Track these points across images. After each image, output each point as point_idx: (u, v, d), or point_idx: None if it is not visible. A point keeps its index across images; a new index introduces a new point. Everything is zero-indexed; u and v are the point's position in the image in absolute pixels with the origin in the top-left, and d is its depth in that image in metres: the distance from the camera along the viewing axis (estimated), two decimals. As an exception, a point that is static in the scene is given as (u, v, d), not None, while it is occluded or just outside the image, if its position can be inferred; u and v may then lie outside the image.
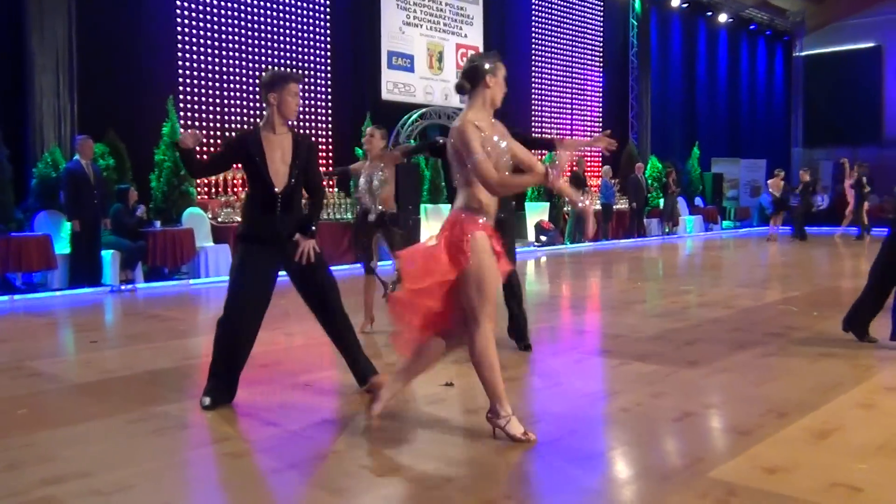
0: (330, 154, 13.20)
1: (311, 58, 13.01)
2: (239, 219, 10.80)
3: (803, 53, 25.28)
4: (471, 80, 3.60)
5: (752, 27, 23.52)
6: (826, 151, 23.83)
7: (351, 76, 13.59)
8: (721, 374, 4.74)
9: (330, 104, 13.21)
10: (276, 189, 4.16)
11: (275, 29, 12.55)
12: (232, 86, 12.02)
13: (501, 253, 3.55)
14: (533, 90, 16.81)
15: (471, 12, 15.51)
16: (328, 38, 13.21)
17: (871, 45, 23.77)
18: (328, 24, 13.21)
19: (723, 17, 21.70)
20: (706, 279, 10.57)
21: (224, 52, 11.97)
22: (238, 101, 12.10)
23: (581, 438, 3.65)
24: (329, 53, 13.21)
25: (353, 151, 12.75)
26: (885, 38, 23.41)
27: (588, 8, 18.35)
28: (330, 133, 13.25)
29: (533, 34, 16.87)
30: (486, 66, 3.60)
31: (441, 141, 5.68)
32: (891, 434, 3.55)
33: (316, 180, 4.38)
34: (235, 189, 11.73)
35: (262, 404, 4.25)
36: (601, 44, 18.72)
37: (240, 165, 4.25)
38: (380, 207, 6.14)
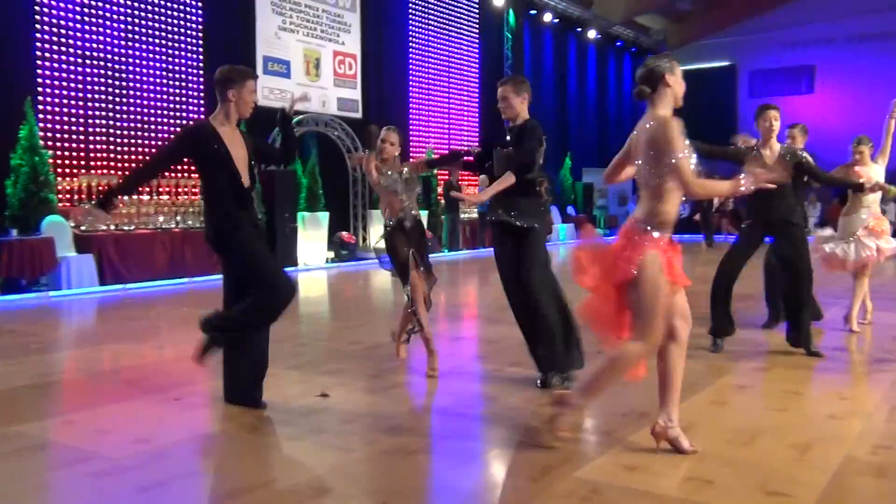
0: (203, 160, 12.80)
1: (183, 60, 12.61)
2: (105, 228, 10.39)
3: (666, 70, 26.69)
4: (650, 83, 3.48)
5: (618, 44, 24.62)
6: (687, 163, 25.25)
7: (225, 81, 13.25)
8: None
9: (202, 108, 12.84)
10: (245, 184, 4.09)
11: (144, 29, 12.08)
12: (98, 88, 11.48)
13: (676, 269, 3.44)
14: (410, 99, 16.94)
15: (348, 20, 15.48)
16: (200, 40, 12.83)
17: (726, 63, 25.37)
18: (200, 25, 12.83)
19: (592, 34, 22.61)
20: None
21: (88, 53, 11.41)
22: (104, 105, 11.56)
23: (456, 443, 3.72)
24: (202, 56, 12.83)
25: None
26: (738, 56, 25.05)
27: (464, 19, 18.69)
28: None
29: (410, 43, 17.02)
30: (663, 64, 3.49)
31: (475, 150, 5.55)
32: (739, 429, 3.82)
33: (277, 151, 4.85)
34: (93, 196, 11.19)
35: (129, 421, 4.10)
36: (477, 55, 19.11)
37: (189, 161, 4.23)
38: (413, 213, 5.24)
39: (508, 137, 4.76)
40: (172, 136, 4.31)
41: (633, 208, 3.59)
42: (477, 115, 19.13)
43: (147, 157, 10.51)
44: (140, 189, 11.50)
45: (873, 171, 6.25)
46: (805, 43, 23.25)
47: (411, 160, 5.55)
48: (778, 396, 4.53)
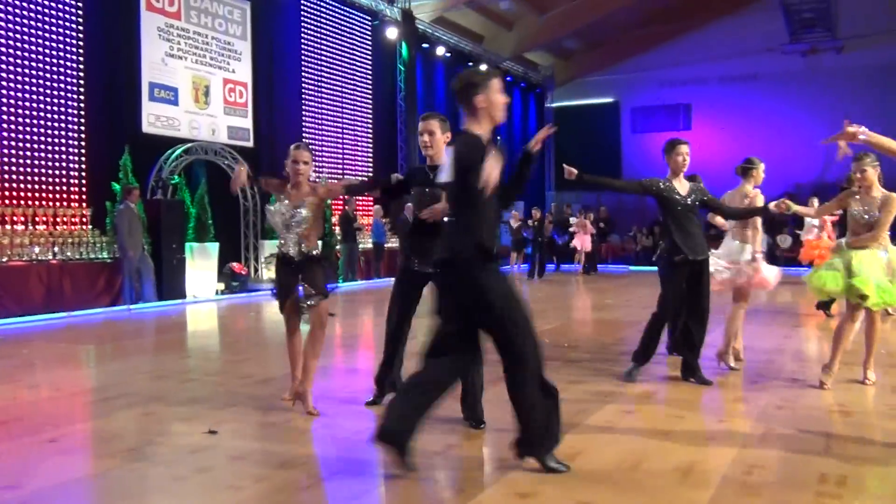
0: (84, 189, 12.26)
1: (63, 85, 12.05)
2: None
3: (554, 105, 27.59)
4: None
5: (508, 79, 25.28)
6: (575, 195, 26.07)
7: (107, 107, 12.75)
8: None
9: (83, 135, 12.30)
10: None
11: (20, 52, 11.49)
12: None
13: None
14: (304, 129, 16.81)
15: (239, 48, 15.27)
16: (80, 64, 12.31)
17: (610, 100, 26.50)
18: (80, 48, 12.30)
19: (483, 68, 23.13)
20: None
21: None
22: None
23: (349, 478, 3.68)
24: (82, 79, 12.30)
25: (110, 186, 11.98)
26: (621, 94, 26.21)
27: (358, 51, 18.75)
28: (83, 166, 12.29)
29: (303, 73, 16.92)
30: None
31: (396, 178, 5.19)
32: (625, 453, 3.95)
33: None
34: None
35: (-2, 466, 3.84)
36: (370, 86, 19.19)
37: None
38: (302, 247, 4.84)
39: (432, 177, 4.54)
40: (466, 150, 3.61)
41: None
42: (370, 145, 19.16)
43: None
44: (16, 219, 10.92)
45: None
46: (681, 82, 24.57)
47: (329, 182, 5.18)
48: (662, 420, 4.71)
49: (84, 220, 11.88)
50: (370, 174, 18.78)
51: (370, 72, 19.16)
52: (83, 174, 12.31)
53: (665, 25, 23.92)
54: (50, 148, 11.82)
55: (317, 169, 17.01)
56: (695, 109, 24.84)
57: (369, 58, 19.12)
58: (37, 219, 11.21)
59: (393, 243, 17.47)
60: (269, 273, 15.23)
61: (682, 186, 5.63)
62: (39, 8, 11.78)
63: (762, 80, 23.30)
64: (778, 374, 6.04)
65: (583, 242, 19.25)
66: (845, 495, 3.34)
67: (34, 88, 11.66)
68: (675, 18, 23.82)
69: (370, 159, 19.00)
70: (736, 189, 6.35)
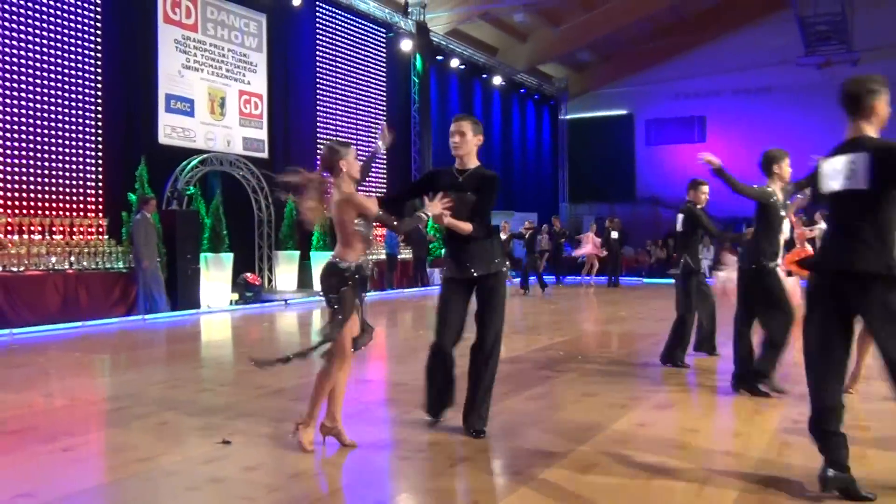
0: (100, 199, 12.36)
1: (80, 96, 12.17)
2: None
3: (568, 117, 27.62)
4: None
5: (522, 91, 25.36)
6: (588, 206, 26.06)
7: (124, 118, 12.89)
8: (494, 419, 4.97)
9: (101, 146, 12.42)
10: None
11: (39, 63, 11.62)
12: (-15, 122, 10.95)
13: None
14: (318, 141, 16.88)
15: (254, 59, 15.38)
16: (98, 76, 12.44)
17: (624, 112, 26.50)
18: (98, 60, 12.45)
19: (497, 80, 23.21)
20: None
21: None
22: (-8, 140, 11.04)
23: (364, 489, 3.67)
24: (99, 90, 12.44)
25: (126, 197, 12.06)
26: (635, 106, 26.21)
27: (372, 62, 18.86)
28: (100, 176, 12.41)
29: (318, 85, 17.03)
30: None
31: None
32: (639, 467, 3.91)
33: None
34: None
35: (12, 474, 3.85)
36: (385, 97, 19.28)
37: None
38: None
39: (461, 180, 4.43)
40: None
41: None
42: (384, 156, 19.23)
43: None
44: (33, 228, 11.02)
45: None
46: (695, 95, 24.56)
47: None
48: (678, 432, 4.66)
49: (100, 230, 11.96)
50: (384, 186, 18.82)
51: (385, 84, 19.26)
52: (100, 185, 12.42)
53: (679, 38, 23.94)
54: (67, 159, 11.94)
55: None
56: (709, 122, 24.78)
57: (384, 70, 19.23)
58: (53, 228, 11.31)
59: (406, 254, 17.48)
60: (282, 284, 15.28)
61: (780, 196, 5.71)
62: (58, 21, 11.92)
63: (776, 92, 23.24)
64: (795, 386, 5.98)
65: (590, 255, 19.04)
66: (864, 511, 3.30)
67: (52, 99, 11.79)
68: (689, 31, 23.83)
69: (384, 170, 19.06)
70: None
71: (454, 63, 21.35)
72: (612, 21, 22.54)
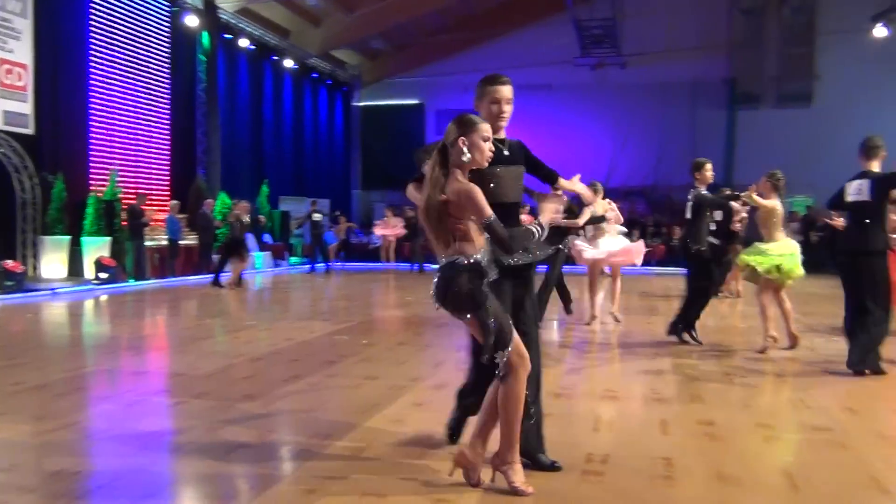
0: None
1: None
2: None
3: (361, 104, 27.73)
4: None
5: (314, 75, 25.06)
6: (381, 194, 26.36)
7: None
8: (276, 404, 4.98)
9: None
10: None
11: None
12: None
13: None
14: (91, 116, 15.68)
15: (18, 26, 13.99)
16: None
17: (416, 101, 27.04)
18: None
19: (288, 63, 22.75)
20: (271, 313, 10.93)
21: None
22: None
23: (139, 480, 3.54)
24: None
25: None
26: (426, 96, 26.82)
27: (154, 37, 17.76)
28: None
29: (92, 58, 15.76)
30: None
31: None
32: (410, 445, 4.09)
33: None
34: None
35: None
36: (168, 76, 18.28)
37: None
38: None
39: (507, 153, 3.77)
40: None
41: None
42: (167, 138, 18.27)
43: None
44: None
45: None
46: (483, 88, 25.58)
47: None
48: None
49: None
50: (167, 171, 17.92)
51: (168, 61, 18.24)
52: None
53: (469, 32, 24.77)
54: None
55: (107, 162, 15.96)
56: (495, 115, 25.94)
57: (167, 46, 18.21)
58: None
59: (190, 240, 16.76)
60: (49, 272, 14.13)
61: None
62: None
63: (556, 90, 24.72)
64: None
65: (388, 240, 19.39)
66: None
67: None
68: (478, 26, 24.74)
69: (167, 152, 18.12)
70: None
71: (244, 43, 20.62)
72: (406, 11, 22.89)
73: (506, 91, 3.80)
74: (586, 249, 8.88)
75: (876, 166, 6.10)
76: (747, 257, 7.08)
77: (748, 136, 23.46)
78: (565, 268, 9.18)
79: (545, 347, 6.91)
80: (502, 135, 3.82)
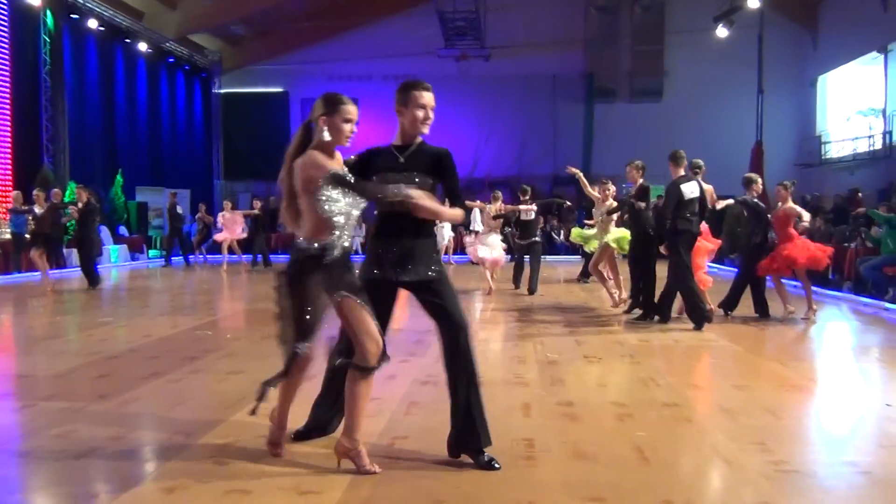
0: None
1: None
2: None
3: (222, 91, 26.82)
4: None
5: (170, 60, 24.01)
6: (245, 184, 25.67)
7: None
8: (132, 404, 4.78)
9: None
10: None
11: None
12: None
13: None
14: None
15: None
16: None
17: (279, 90, 26.45)
18: None
19: (142, 46, 21.63)
20: (128, 309, 10.44)
21: None
22: None
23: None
24: None
25: None
26: (290, 84, 26.30)
27: (-9, 15, 16.52)
28: None
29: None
30: None
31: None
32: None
33: None
34: None
35: None
36: (8, 57, 17.01)
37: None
38: None
39: (402, 160, 3.71)
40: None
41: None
42: (7, 124, 17.02)
43: None
44: None
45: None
46: (348, 77, 25.32)
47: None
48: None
49: None
50: (8, 162, 16.70)
51: (7, 42, 16.97)
52: None
53: (333, 20, 24.50)
54: None
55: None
56: (361, 104, 25.45)
57: (5, 25, 16.93)
58: None
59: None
60: None
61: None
62: None
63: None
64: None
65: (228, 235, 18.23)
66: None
67: None
68: (343, 14, 24.50)
69: (8, 139, 16.89)
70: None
71: (93, 24, 19.42)
72: (267, -4, 22.36)
73: (431, 98, 3.83)
74: (480, 248, 11.33)
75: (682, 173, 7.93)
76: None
77: (605, 129, 24.53)
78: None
79: (419, 336, 7.01)
80: (418, 140, 3.81)
